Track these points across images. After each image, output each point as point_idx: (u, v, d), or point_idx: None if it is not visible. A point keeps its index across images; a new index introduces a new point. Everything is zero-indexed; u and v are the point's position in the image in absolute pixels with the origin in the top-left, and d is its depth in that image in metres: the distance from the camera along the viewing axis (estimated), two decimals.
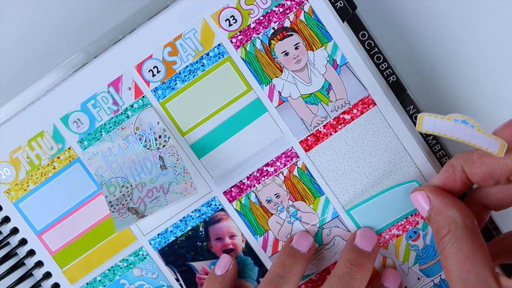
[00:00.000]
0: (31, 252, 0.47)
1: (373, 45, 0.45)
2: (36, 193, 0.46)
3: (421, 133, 0.45)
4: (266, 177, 0.46)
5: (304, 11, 0.44)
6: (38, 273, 0.47)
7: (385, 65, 0.45)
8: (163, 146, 0.45)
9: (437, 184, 0.41)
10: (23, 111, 0.45)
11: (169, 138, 0.45)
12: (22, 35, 0.50)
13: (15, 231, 0.47)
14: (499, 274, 0.38)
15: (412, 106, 0.45)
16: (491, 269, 0.37)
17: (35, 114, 0.45)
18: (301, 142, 0.45)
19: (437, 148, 0.46)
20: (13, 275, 0.47)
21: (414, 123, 0.45)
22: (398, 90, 0.45)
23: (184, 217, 0.46)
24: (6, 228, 0.47)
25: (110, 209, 0.44)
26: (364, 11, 0.46)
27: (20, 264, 0.47)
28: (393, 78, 0.45)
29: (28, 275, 0.47)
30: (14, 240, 0.47)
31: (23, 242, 0.47)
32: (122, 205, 0.44)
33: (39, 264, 0.47)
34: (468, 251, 0.38)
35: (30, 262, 0.47)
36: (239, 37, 0.44)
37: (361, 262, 0.43)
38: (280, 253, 0.45)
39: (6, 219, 0.47)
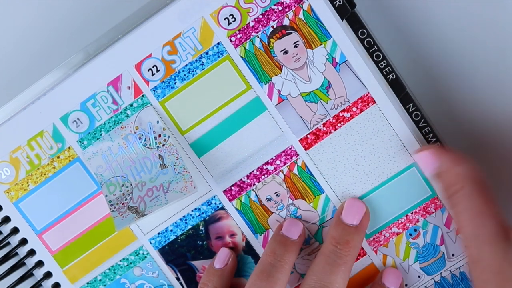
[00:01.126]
0: (32, 252, 0.47)
1: (372, 43, 0.45)
2: (36, 192, 0.46)
3: (421, 132, 0.45)
4: (266, 175, 0.46)
5: (303, 10, 0.44)
6: (39, 273, 0.47)
7: (384, 63, 0.45)
8: (163, 145, 0.45)
9: None
10: (23, 111, 0.45)
11: (168, 137, 0.45)
12: (22, 35, 0.50)
13: (15, 231, 0.47)
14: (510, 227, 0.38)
15: (411, 104, 0.45)
16: (502, 222, 0.38)
17: (34, 113, 0.45)
18: (300, 141, 0.45)
19: None
20: (13, 275, 0.47)
21: (414, 121, 0.45)
22: (397, 88, 0.45)
23: (184, 216, 0.46)
24: (6, 228, 0.47)
25: (110, 208, 0.44)
26: (363, 9, 0.46)
27: (20, 264, 0.47)
28: (393, 76, 0.45)
29: (28, 275, 0.47)
30: (15, 240, 0.47)
31: (24, 242, 0.47)
32: (122, 204, 0.44)
33: (40, 264, 0.47)
34: (480, 205, 0.38)
35: (31, 262, 0.47)
36: (238, 36, 0.44)
37: (346, 239, 0.43)
38: (271, 241, 0.44)
39: (6, 219, 0.47)
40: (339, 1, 0.44)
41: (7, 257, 0.47)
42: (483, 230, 0.38)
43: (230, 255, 0.45)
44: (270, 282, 0.42)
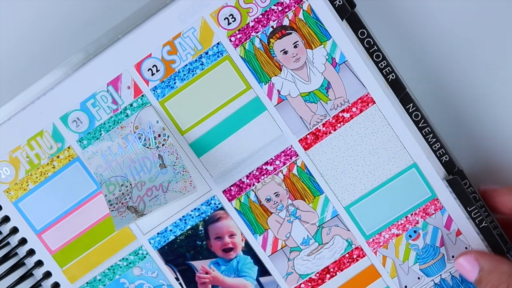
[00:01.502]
0: (31, 252, 0.47)
1: (372, 43, 0.45)
2: (35, 192, 0.46)
3: (421, 132, 0.45)
4: (265, 175, 0.46)
5: (303, 10, 0.44)
6: (38, 273, 0.47)
7: (384, 63, 0.45)
8: (163, 145, 0.45)
9: None
10: (23, 111, 0.46)
11: (168, 137, 0.45)
12: (22, 35, 0.50)
13: (14, 230, 0.47)
14: None
15: (411, 105, 0.45)
16: None
17: (34, 113, 0.46)
18: (300, 141, 0.45)
19: (436, 146, 0.46)
20: (13, 275, 0.47)
21: (414, 122, 0.45)
22: (397, 88, 0.45)
23: (183, 216, 0.46)
24: (6, 228, 0.47)
25: (109, 208, 0.44)
26: (363, 9, 0.46)
27: (20, 264, 0.47)
28: (392, 76, 0.45)
29: (28, 274, 0.47)
30: (14, 240, 0.47)
31: (23, 241, 0.47)
32: (122, 204, 0.44)
33: (39, 263, 0.47)
34: None
35: (30, 261, 0.47)
36: (238, 36, 0.44)
37: None
38: None
39: (6, 219, 0.47)
40: (339, 1, 0.44)
41: (6, 257, 0.47)
42: None
43: None
44: None
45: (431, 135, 0.45)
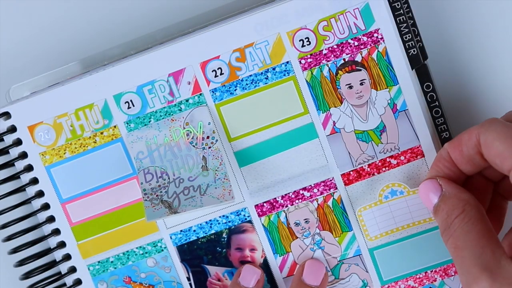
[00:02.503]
0: (51, 219, 0.47)
1: (435, 98, 0.45)
2: (70, 162, 0.46)
3: None
4: (300, 200, 0.46)
5: (378, 51, 0.44)
6: (53, 241, 0.47)
7: (441, 120, 0.45)
8: (209, 148, 0.45)
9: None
10: (79, 79, 0.45)
11: (216, 141, 0.45)
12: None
13: (40, 194, 0.47)
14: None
15: None
16: (504, 250, 0.37)
17: (89, 85, 0.45)
18: (343, 175, 0.46)
19: None
20: (26, 237, 0.47)
21: None
22: None
23: (210, 220, 0.46)
24: (32, 190, 0.47)
25: (143, 197, 0.44)
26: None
27: (36, 226, 0.47)
28: (446, 134, 0.46)
29: (41, 239, 0.47)
30: (37, 204, 0.47)
31: (46, 207, 0.47)
32: (156, 195, 0.44)
33: (56, 232, 0.47)
34: (483, 230, 0.38)
35: (48, 228, 0.47)
36: (309, 60, 0.44)
37: None
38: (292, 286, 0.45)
39: (35, 181, 0.46)
40: (414, 51, 0.45)
41: (24, 218, 0.47)
42: (487, 251, 0.37)
43: (257, 277, 0.45)
44: None
45: None
